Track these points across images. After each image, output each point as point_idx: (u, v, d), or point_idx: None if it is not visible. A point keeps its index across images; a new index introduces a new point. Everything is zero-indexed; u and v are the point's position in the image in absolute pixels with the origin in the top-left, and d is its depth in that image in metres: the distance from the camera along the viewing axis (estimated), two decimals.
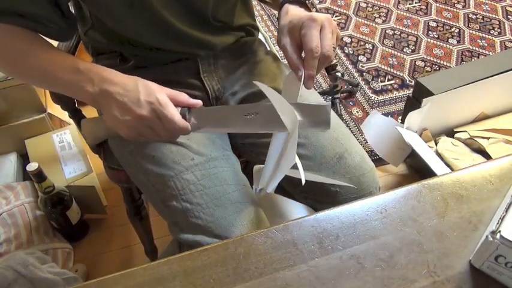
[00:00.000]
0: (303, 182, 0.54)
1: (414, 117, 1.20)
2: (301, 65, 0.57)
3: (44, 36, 0.63)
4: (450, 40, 1.91)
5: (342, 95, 1.66)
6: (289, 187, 0.76)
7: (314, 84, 0.58)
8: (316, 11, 0.66)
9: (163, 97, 0.56)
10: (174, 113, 0.56)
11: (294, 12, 0.62)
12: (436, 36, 1.93)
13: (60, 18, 0.62)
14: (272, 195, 0.78)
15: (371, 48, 1.88)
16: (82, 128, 0.66)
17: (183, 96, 0.60)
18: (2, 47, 0.60)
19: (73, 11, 0.76)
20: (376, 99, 1.65)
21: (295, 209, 0.78)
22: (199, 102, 0.60)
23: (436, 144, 1.29)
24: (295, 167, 0.56)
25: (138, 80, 0.58)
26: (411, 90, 1.59)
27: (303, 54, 0.59)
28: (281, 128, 0.56)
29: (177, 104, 0.59)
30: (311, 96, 0.76)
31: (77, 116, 0.82)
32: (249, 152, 0.78)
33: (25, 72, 0.62)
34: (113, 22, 0.67)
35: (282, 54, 0.61)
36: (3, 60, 0.61)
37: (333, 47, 0.57)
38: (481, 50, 1.85)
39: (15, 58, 0.60)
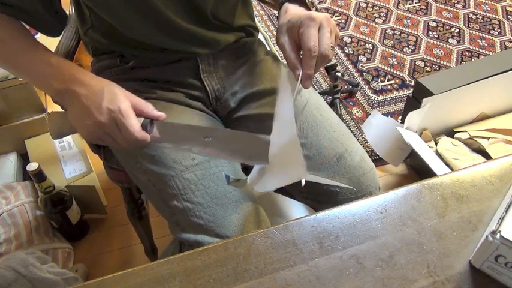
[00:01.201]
0: (303, 183, 0.54)
1: (414, 117, 1.20)
2: (299, 64, 0.57)
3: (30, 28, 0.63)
4: (450, 40, 1.91)
5: (342, 95, 1.66)
6: (289, 187, 0.76)
7: (313, 84, 0.58)
8: (316, 9, 0.66)
9: (125, 106, 0.56)
10: (133, 124, 0.56)
11: (293, 11, 0.62)
12: (436, 36, 1.93)
13: (48, 12, 0.63)
14: (272, 195, 0.78)
15: (371, 48, 1.88)
16: (48, 119, 0.66)
17: (148, 107, 0.59)
18: None
19: (72, 11, 0.76)
20: (376, 99, 1.65)
21: (295, 208, 0.78)
22: (162, 115, 0.60)
23: (436, 144, 1.29)
24: None
25: (106, 85, 0.58)
26: (411, 90, 1.59)
27: (301, 54, 0.59)
28: (231, 158, 0.56)
29: (140, 114, 0.58)
30: (311, 97, 0.76)
31: None
32: None
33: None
34: (111, 19, 0.67)
35: (282, 55, 0.61)
36: None
37: (332, 47, 0.57)
38: (481, 50, 1.85)
39: None
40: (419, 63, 1.80)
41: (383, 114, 1.58)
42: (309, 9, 0.65)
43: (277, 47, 1.84)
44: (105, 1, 0.64)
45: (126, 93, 0.58)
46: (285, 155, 0.57)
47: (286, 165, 0.56)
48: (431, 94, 1.18)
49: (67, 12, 0.70)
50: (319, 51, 0.55)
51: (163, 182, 0.65)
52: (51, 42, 0.67)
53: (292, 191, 0.78)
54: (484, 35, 1.93)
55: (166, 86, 0.75)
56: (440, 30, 1.97)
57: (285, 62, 0.64)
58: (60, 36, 0.83)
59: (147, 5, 0.64)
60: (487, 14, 2.06)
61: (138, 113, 0.58)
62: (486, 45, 1.88)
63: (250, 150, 0.55)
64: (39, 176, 1.05)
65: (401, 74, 1.75)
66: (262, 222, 0.64)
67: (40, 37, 0.69)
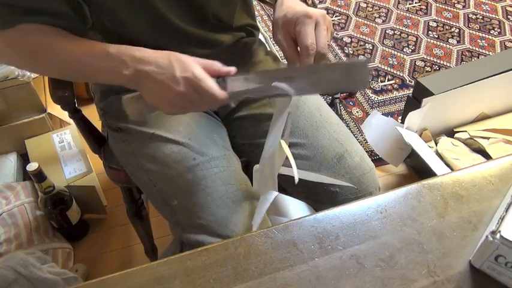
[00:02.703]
0: (296, 180, 0.54)
1: (414, 117, 1.20)
2: (297, 59, 0.57)
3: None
4: (450, 40, 1.91)
5: (342, 95, 1.65)
6: (289, 187, 0.76)
7: None
8: (313, 3, 0.66)
9: (198, 70, 0.55)
10: (212, 86, 0.55)
11: (289, 4, 0.61)
12: (436, 36, 1.93)
13: (75, 12, 0.62)
14: None
15: (371, 48, 1.88)
16: (125, 106, 0.64)
17: (216, 66, 0.58)
18: (30, 46, 0.59)
19: None
20: (376, 99, 1.65)
21: (297, 207, 0.77)
22: (232, 69, 0.58)
23: (436, 144, 1.29)
24: (289, 165, 0.56)
25: (170, 56, 0.57)
26: (411, 90, 1.59)
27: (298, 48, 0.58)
28: (315, 91, 0.54)
29: (211, 73, 0.57)
30: (311, 97, 0.76)
31: (77, 116, 0.82)
32: (249, 152, 0.78)
33: (57, 68, 0.62)
34: (111, 21, 0.67)
35: (282, 55, 0.61)
36: (33, 58, 0.61)
37: (328, 44, 0.57)
38: (481, 50, 1.85)
39: (45, 55, 0.60)
40: (419, 63, 1.80)
41: (383, 114, 1.58)
42: (305, 2, 0.65)
43: (277, 47, 1.84)
44: (106, 3, 0.63)
45: (193, 58, 0.57)
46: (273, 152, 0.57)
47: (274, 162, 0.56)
48: (431, 94, 1.18)
49: None
50: (316, 49, 0.55)
51: (164, 182, 0.65)
52: None
53: (292, 191, 0.78)
54: (484, 35, 1.93)
55: None
56: (440, 30, 1.97)
57: (285, 62, 0.64)
58: None
59: (148, 7, 0.63)
60: (487, 14, 2.06)
61: (209, 73, 0.57)
62: (486, 45, 1.88)
63: (340, 77, 0.53)
64: (39, 176, 1.05)
65: (401, 74, 1.75)
66: (263, 222, 0.64)
67: None
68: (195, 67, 0.55)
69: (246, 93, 0.58)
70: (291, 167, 0.56)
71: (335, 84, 0.54)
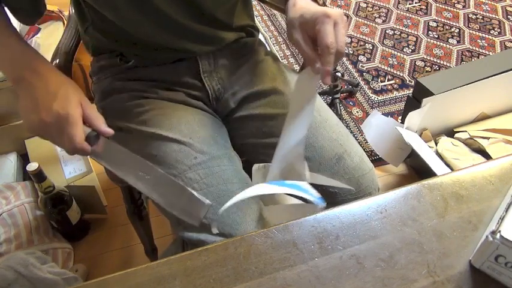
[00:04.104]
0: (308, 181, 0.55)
1: (414, 117, 1.20)
2: (317, 58, 0.56)
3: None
4: (450, 40, 1.91)
5: (342, 95, 1.66)
6: None
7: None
8: (324, 3, 0.66)
9: (74, 114, 0.54)
10: (77, 135, 0.54)
11: (302, 4, 0.61)
12: (436, 36, 1.93)
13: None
14: (274, 193, 0.78)
15: (371, 48, 1.88)
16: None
17: (98, 120, 0.57)
18: None
19: (72, 11, 0.76)
20: (376, 99, 1.65)
21: (297, 206, 0.77)
22: (110, 131, 0.58)
23: (436, 144, 1.29)
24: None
25: (62, 85, 0.56)
26: (411, 90, 1.59)
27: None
28: (159, 201, 0.57)
29: (89, 124, 0.57)
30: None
31: None
32: (249, 151, 0.78)
33: None
34: (112, 17, 0.67)
35: (282, 55, 0.61)
36: None
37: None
38: (481, 50, 1.85)
39: None
40: (419, 63, 1.80)
41: (383, 114, 1.58)
42: (316, 1, 0.65)
43: (277, 47, 1.84)
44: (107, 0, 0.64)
45: (81, 98, 0.56)
46: (289, 159, 0.57)
47: (289, 170, 0.57)
48: (431, 94, 1.18)
49: (66, 12, 0.70)
50: (336, 47, 0.55)
51: None
52: (51, 44, 0.67)
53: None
54: (484, 35, 1.93)
55: (167, 86, 0.75)
56: (440, 30, 1.97)
57: (285, 62, 0.64)
58: (61, 35, 0.83)
59: (149, 3, 0.64)
60: (487, 14, 2.06)
61: (87, 123, 0.56)
62: (486, 45, 1.88)
63: (179, 202, 0.56)
64: (39, 176, 1.05)
65: (401, 74, 1.75)
66: (265, 220, 0.64)
67: (40, 37, 0.69)
68: (74, 110, 0.54)
69: (106, 160, 0.58)
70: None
71: (175, 205, 0.56)
